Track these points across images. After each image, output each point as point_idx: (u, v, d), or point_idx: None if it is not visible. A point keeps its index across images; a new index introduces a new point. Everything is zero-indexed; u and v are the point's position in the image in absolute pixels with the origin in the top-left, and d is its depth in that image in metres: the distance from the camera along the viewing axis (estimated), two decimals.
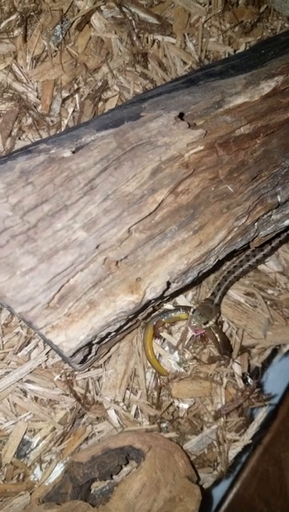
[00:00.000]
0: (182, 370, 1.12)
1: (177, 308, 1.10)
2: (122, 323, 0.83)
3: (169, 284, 0.83)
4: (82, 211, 0.73)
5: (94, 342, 0.82)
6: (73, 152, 0.79)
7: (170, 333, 1.14)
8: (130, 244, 0.78)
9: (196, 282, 1.08)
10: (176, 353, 1.13)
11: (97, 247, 0.74)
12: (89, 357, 0.89)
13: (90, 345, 0.82)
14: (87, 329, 0.74)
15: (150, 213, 0.79)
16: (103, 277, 0.76)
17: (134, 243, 0.79)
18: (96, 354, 0.94)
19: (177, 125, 0.83)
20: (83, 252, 0.72)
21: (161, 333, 1.12)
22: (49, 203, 0.70)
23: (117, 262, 0.77)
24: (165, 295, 0.88)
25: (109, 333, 0.83)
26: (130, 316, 0.82)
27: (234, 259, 1.18)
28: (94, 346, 0.87)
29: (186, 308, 1.09)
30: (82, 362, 0.86)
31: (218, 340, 1.09)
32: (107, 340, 0.91)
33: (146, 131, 0.81)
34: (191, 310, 1.05)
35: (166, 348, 1.13)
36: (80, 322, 0.73)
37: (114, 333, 0.86)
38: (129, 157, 0.78)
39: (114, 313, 0.76)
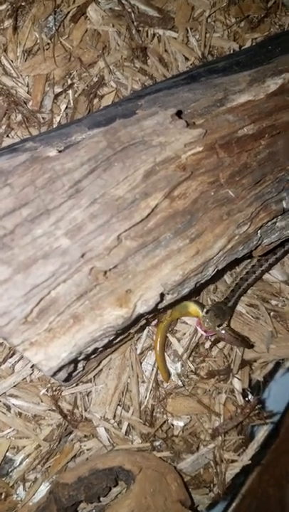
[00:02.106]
0: (180, 383, 1.05)
1: (195, 302, 1.03)
2: (111, 338, 0.77)
3: (162, 296, 0.76)
4: (66, 216, 0.66)
5: (79, 358, 0.75)
6: (60, 151, 0.72)
7: (178, 340, 1.07)
8: (120, 252, 0.71)
9: (193, 294, 1.00)
10: (179, 363, 1.07)
11: (82, 255, 0.67)
12: (75, 373, 0.83)
13: (74, 361, 0.75)
14: (70, 346, 0.67)
15: (142, 219, 0.72)
16: (89, 289, 0.69)
17: (125, 252, 0.72)
18: (84, 369, 0.88)
19: (174, 124, 0.77)
20: (66, 261, 0.65)
21: (169, 338, 1.06)
22: (29, 207, 0.64)
23: (105, 272, 0.71)
24: (159, 308, 0.81)
25: (96, 349, 0.76)
26: (119, 331, 0.75)
27: (246, 263, 1.13)
28: (80, 362, 0.81)
29: (200, 305, 1.02)
30: (67, 379, 0.79)
31: (239, 338, 1.04)
32: (95, 355, 0.84)
33: (139, 130, 0.74)
34: (204, 310, 0.99)
35: (171, 356, 1.07)
36: (62, 338, 0.67)
37: (102, 349, 0.80)
38: (120, 158, 0.72)
39: (101, 329, 0.69)
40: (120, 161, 0.72)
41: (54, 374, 0.70)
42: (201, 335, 1.08)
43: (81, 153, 0.70)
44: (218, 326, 0.98)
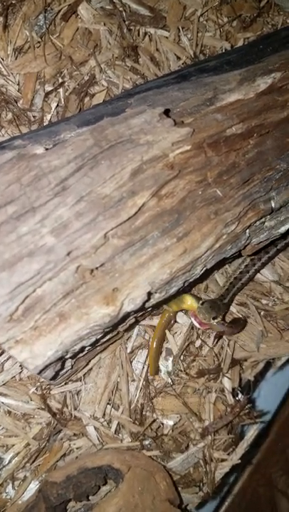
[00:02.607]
0: (170, 381, 1.05)
1: (192, 295, 1.04)
2: (99, 337, 0.77)
3: (150, 294, 0.76)
4: (52, 214, 0.66)
5: (66, 357, 0.75)
6: (47, 149, 0.72)
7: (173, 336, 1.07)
8: (107, 251, 0.71)
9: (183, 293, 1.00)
10: (170, 360, 1.06)
11: (68, 253, 0.67)
12: (63, 372, 0.83)
13: (61, 360, 0.75)
14: (56, 344, 0.67)
15: (129, 218, 0.72)
16: (75, 287, 0.69)
17: (112, 250, 0.72)
18: (72, 368, 0.88)
19: (162, 122, 0.77)
20: (52, 259, 0.65)
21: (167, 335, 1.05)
22: (14, 205, 0.64)
23: (92, 271, 0.71)
24: (146, 306, 0.81)
25: (84, 348, 0.76)
26: (107, 330, 0.75)
27: (239, 263, 1.13)
28: (68, 361, 0.81)
29: (196, 298, 1.02)
30: (54, 378, 0.79)
31: (234, 324, 1.05)
32: (83, 354, 0.84)
33: (127, 128, 0.74)
34: (200, 302, 0.99)
35: (164, 353, 1.07)
36: (48, 336, 0.67)
37: (90, 347, 0.80)
38: (107, 156, 0.71)
39: (88, 327, 0.69)
40: (107, 159, 0.72)
41: (40, 372, 0.70)
42: (194, 333, 1.08)
43: (68, 151, 0.70)
44: (214, 318, 0.98)
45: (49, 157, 0.69)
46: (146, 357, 1.05)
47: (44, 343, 0.66)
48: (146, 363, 1.04)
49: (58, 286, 0.67)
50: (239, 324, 1.07)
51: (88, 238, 0.69)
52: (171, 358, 1.07)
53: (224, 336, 1.11)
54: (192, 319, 1.03)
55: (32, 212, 0.65)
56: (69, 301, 0.68)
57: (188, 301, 1.02)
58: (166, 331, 1.05)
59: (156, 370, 1.04)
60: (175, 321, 1.08)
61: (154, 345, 1.03)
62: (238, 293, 1.14)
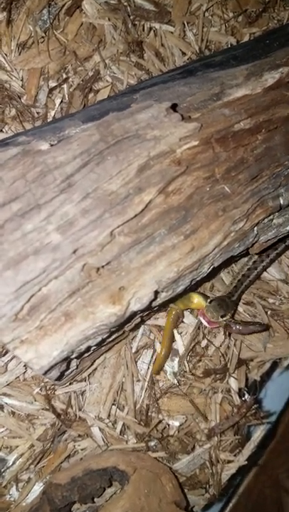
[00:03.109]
0: (176, 382, 1.03)
1: (199, 293, 1.02)
2: (105, 337, 0.75)
3: (156, 293, 0.75)
4: (58, 211, 0.65)
5: (72, 357, 0.74)
6: (52, 145, 0.71)
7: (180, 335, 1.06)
8: (113, 248, 0.70)
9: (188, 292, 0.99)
10: (176, 360, 1.05)
11: (74, 251, 0.66)
12: (68, 372, 0.81)
13: (67, 360, 0.74)
14: (62, 344, 0.66)
15: (136, 215, 0.71)
16: (81, 286, 0.67)
17: (118, 248, 0.70)
18: (77, 368, 0.86)
19: (169, 117, 0.75)
20: (58, 257, 0.64)
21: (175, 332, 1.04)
22: (19, 202, 0.62)
23: (98, 269, 0.69)
24: (153, 306, 0.80)
25: (89, 347, 0.75)
26: (113, 329, 0.74)
27: (247, 260, 1.11)
28: (73, 361, 0.79)
29: (204, 296, 1.01)
30: (60, 378, 0.78)
31: (250, 323, 1.04)
32: (88, 353, 0.82)
33: (133, 123, 0.73)
34: (208, 300, 0.98)
35: (170, 354, 1.05)
36: (54, 336, 0.65)
37: (95, 347, 0.78)
38: (113, 151, 0.70)
39: (94, 327, 0.68)
40: (113, 154, 0.70)
41: (45, 373, 0.69)
42: (200, 332, 1.07)
43: (73, 146, 0.69)
44: (222, 316, 0.96)
45: (54, 153, 0.67)
46: (152, 356, 1.03)
47: (49, 342, 0.65)
48: (152, 362, 1.03)
49: (63, 284, 0.65)
50: (256, 325, 1.05)
51: (94, 236, 0.67)
52: (177, 359, 1.05)
53: (231, 335, 1.10)
54: (200, 318, 1.01)
55: (37, 209, 0.63)
56: (75, 300, 0.67)
57: (196, 300, 1.01)
58: (174, 331, 1.04)
59: (160, 370, 1.03)
60: (182, 320, 1.07)
61: (164, 348, 1.01)
62: (246, 290, 1.12)
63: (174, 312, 1.02)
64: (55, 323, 0.65)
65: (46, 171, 0.65)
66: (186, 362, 1.04)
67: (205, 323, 1.00)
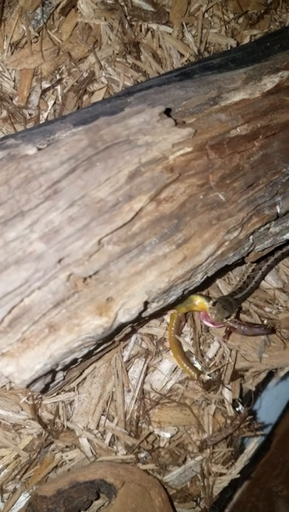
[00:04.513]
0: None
1: (200, 295, 1.00)
2: (92, 348, 0.73)
3: (146, 304, 0.72)
4: (42, 219, 0.62)
5: (57, 369, 0.71)
6: (39, 149, 0.68)
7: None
8: (101, 258, 0.67)
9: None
10: (194, 359, 1.03)
11: (59, 261, 0.63)
12: (54, 384, 0.79)
13: (51, 373, 0.71)
14: (45, 357, 0.63)
15: (125, 223, 0.68)
16: (67, 296, 0.65)
17: (106, 257, 0.68)
18: (65, 379, 0.84)
19: (162, 122, 0.72)
20: (41, 266, 0.61)
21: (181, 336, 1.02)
22: (1, 209, 0.60)
23: (84, 279, 0.67)
24: (144, 316, 0.77)
25: (76, 360, 0.72)
26: (100, 341, 0.71)
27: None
28: (59, 373, 0.77)
29: (206, 298, 0.99)
30: (45, 391, 0.75)
31: (256, 325, 1.02)
32: (75, 365, 0.80)
33: (124, 128, 0.70)
34: (211, 302, 0.96)
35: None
36: (37, 349, 0.63)
37: (82, 359, 0.76)
38: (102, 157, 0.67)
39: (79, 339, 0.65)
40: (103, 161, 0.67)
41: (28, 386, 0.66)
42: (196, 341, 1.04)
43: (61, 151, 0.66)
44: (227, 317, 0.95)
45: (40, 158, 0.65)
46: (143, 366, 1.00)
47: (32, 356, 0.62)
48: (143, 372, 1.00)
49: (47, 295, 0.63)
50: (261, 328, 1.03)
51: (81, 245, 0.65)
52: (193, 358, 1.03)
53: (226, 345, 1.07)
54: (203, 320, 1.00)
55: (21, 216, 0.61)
56: (59, 311, 0.64)
57: (198, 302, 0.98)
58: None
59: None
60: (184, 324, 1.04)
61: (177, 353, 1.00)
62: (252, 292, 1.09)
63: (175, 317, 1.00)
64: (38, 336, 0.63)
65: (31, 176, 0.63)
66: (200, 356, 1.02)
67: (208, 324, 0.99)
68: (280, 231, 0.89)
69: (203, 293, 1.11)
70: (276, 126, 0.84)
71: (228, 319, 0.96)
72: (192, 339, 1.05)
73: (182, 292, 0.81)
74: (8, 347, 0.61)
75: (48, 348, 0.63)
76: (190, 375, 1.01)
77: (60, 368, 0.70)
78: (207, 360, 1.05)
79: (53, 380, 0.75)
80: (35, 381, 0.66)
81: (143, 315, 0.75)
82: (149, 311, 0.77)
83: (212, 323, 0.98)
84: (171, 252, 0.72)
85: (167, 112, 0.76)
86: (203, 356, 1.04)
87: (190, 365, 1.01)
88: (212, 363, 1.03)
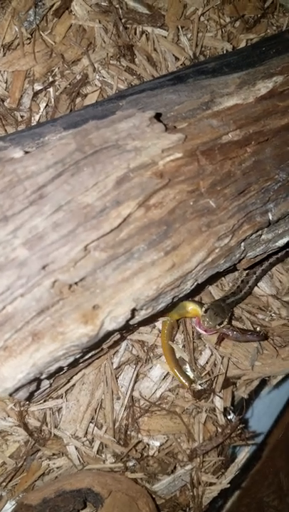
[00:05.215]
0: (199, 387, 1.00)
1: (193, 301, 1.00)
2: (78, 357, 0.71)
3: (134, 312, 0.71)
4: (26, 224, 0.61)
5: (42, 378, 0.70)
6: (26, 153, 0.67)
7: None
8: (87, 264, 0.66)
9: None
10: (187, 367, 1.02)
11: (43, 267, 0.62)
12: (39, 392, 0.77)
13: (36, 381, 0.70)
14: (28, 366, 0.62)
15: (113, 229, 0.67)
16: (51, 304, 0.63)
17: (93, 264, 0.66)
18: (51, 386, 0.82)
19: (151, 127, 0.71)
20: (24, 273, 0.60)
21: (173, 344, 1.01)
22: None
23: (70, 286, 0.65)
24: (132, 323, 0.76)
25: (61, 368, 0.71)
26: (85, 350, 0.70)
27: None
28: (44, 381, 0.75)
29: (198, 304, 0.98)
30: (29, 399, 0.74)
31: (248, 332, 1.01)
32: (61, 373, 0.78)
33: (113, 133, 0.69)
34: (203, 309, 0.95)
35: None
36: (19, 358, 0.61)
37: (68, 367, 0.74)
38: (90, 162, 0.66)
39: (63, 348, 0.64)
40: (90, 165, 0.66)
41: (11, 395, 0.65)
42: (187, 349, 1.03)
43: (47, 155, 0.65)
44: (219, 324, 0.94)
45: (26, 162, 0.63)
46: (133, 373, 0.99)
47: (14, 364, 0.61)
48: (133, 379, 0.99)
49: (31, 302, 0.62)
50: (254, 335, 1.02)
51: (66, 251, 0.63)
52: (187, 366, 1.02)
53: (218, 352, 1.06)
54: (196, 327, 0.99)
55: (4, 221, 0.59)
56: (43, 319, 0.63)
57: (190, 308, 0.97)
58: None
59: (190, 380, 0.99)
60: (177, 331, 1.03)
61: (170, 360, 0.99)
62: (245, 297, 1.08)
63: (168, 324, 0.99)
64: (20, 344, 0.62)
65: (16, 180, 0.61)
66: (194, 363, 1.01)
67: (201, 331, 0.98)
68: (272, 238, 0.87)
69: (196, 299, 1.09)
70: (269, 132, 0.83)
71: (221, 326, 0.95)
72: (184, 346, 1.04)
73: (172, 300, 0.79)
74: None
75: (31, 357, 0.62)
76: (181, 383, 0.99)
77: (44, 376, 0.69)
78: (199, 367, 1.03)
79: (38, 388, 0.74)
80: (18, 390, 0.65)
81: (131, 322, 0.74)
82: (138, 318, 0.76)
83: (205, 330, 0.98)
84: (159, 259, 0.71)
85: (158, 116, 0.74)
86: (196, 364, 1.02)
87: (182, 373, 0.99)
88: (204, 372, 1.02)
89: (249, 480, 1.09)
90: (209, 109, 0.83)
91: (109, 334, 0.72)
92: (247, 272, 1.07)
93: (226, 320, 0.96)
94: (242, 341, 1.05)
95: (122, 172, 0.68)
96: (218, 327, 0.95)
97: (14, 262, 0.59)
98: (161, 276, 0.71)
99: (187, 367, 1.02)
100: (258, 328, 1.12)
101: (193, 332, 1.06)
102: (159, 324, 1.03)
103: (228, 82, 0.90)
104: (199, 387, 1.00)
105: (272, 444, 1.13)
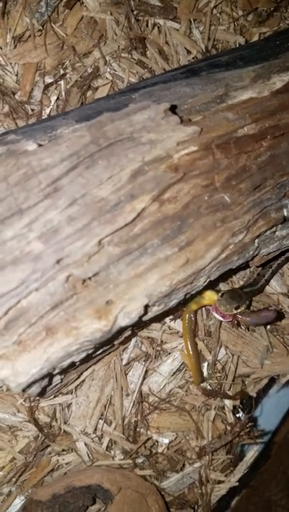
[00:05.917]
0: (209, 387, 1.00)
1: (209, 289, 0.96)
2: (90, 352, 0.70)
3: (147, 308, 0.70)
4: (41, 218, 0.60)
5: (54, 373, 0.69)
6: (40, 145, 0.66)
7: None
8: (101, 259, 0.65)
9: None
10: (205, 364, 1.02)
11: (57, 261, 0.61)
12: (51, 387, 0.77)
13: (48, 376, 0.69)
14: (42, 361, 0.61)
15: (127, 224, 0.66)
16: (65, 298, 0.63)
17: (106, 259, 0.65)
18: (62, 381, 0.82)
19: (166, 120, 0.70)
20: (39, 267, 0.59)
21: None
22: None
23: (84, 281, 0.64)
24: (144, 320, 0.75)
25: (74, 363, 0.70)
26: (98, 345, 0.69)
27: None
28: (56, 376, 0.75)
29: (215, 291, 0.96)
30: (42, 394, 0.73)
31: (260, 313, 0.97)
32: (73, 368, 0.78)
33: (128, 125, 0.68)
34: (219, 294, 0.93)
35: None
36: (33, 352, 0.61)
37: (79, 362, 0.73)
38: (104, 155, 0.65)
39: (77, 343, 0.63)
40: (105, 158, 0.65)
41: (24, 390, 0.64)
42: None
43: (62, 148, 0.64)
44: (236, 308, 0.91)
45: (40, 154, 0.62)
46: (142, 370, 0.98)
47: (28, 359, 0.60)
48: (142, 376, 0.98)
49: (45, 297, 0.61)
50: (269, 315, 0.97)
51: (80, 245, 0.62)
52: (205, 364, 1.02)
53: (228, 351, 1.05)
54: (214, 313, 0.96)
55: (19, 214, 0.59)
56: (57, 313, 0.62)
57: (207, 295, 0.95)
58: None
59: (202, 379, 0.99)
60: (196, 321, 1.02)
61: (192, 353, 0.97)
62: (262, 290, 1.07)
63: (187, 316, 0.98)
64: (34, 338, 0.61)
65: (31, 173, 0.60)
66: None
67: (220, 317, 0.95)
68: (286, 235, 0.86)
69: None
70: (285, 126, 0.82)
71: (238, 310, 0.92)
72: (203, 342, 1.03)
73: (184, 296, 0.78)
74: (3, 350, 0.59)
75: (45, 352, 0.61)
76: (193, 378, 0.99)
77: (57, 371, 0.68)
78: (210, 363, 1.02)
79: (50, 383, 0.73)
80: (31, 385, 0.64)
81: (143, 319, 0.73)
82: (150, 314, 0.75)
83: (223, 316, 0.95)
84: (173, 254, 0.70)
85: (173, 109, 0.73)
86: (216, 365, 1.01)
87: (198, 369, 0.99)
88: (216, 371, 1.01)
89: (257, 478, 1.08)
90: (224, 102, 0.82)
91: (121, 330, 0.71)
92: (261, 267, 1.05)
93: (243, 306, 0.93)
94: (260, 324, 1.02)
95: (136, 165, 0.67)
96: (234, 311, 0.91)
97: (29, 256, 0.58)
98: (175, 272, 0.70)
99: (205, 364, 1.02)
100: (268, 327, 1.10)
101: (204, 329, 1.04)
102: (168, 320, 1.03)
103: (242, 75, 0.89)
104: (209, 388, 1.00)
105: (281, 443, 1.12)
